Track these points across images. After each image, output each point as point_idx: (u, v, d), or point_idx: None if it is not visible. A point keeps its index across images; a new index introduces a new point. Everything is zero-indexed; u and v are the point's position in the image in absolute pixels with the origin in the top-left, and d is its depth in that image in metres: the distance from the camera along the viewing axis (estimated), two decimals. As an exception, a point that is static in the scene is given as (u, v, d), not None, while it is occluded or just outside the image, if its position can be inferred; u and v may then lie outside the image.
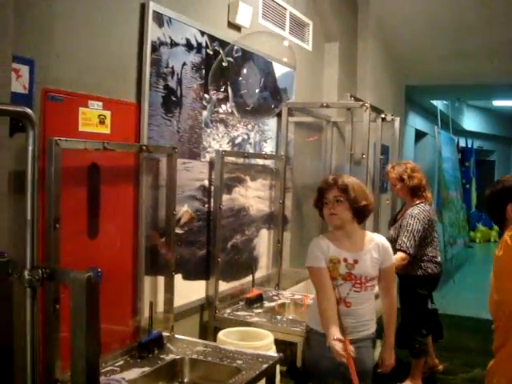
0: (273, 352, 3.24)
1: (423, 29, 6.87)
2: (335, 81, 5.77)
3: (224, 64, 3.85)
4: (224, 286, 3.97)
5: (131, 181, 3.06)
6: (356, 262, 3.02)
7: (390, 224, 4.97)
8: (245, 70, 4.11)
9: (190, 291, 3.62)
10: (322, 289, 3.03)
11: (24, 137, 1.84)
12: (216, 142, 3.82)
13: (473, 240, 14.28)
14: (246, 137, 4.21)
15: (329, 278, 3.01)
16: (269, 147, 4.57)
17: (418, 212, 4.51)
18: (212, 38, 3.71)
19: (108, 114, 2.86)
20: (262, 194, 4.47)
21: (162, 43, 3.23)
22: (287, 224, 4.93)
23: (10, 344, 1.78)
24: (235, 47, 3.96)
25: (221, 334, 3.42)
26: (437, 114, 11.70)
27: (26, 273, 1.77)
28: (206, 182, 3.73)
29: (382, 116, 5.33)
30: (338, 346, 2.83)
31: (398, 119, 5.55)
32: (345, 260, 3.01)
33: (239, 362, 2.92)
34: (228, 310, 3.89)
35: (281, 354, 3.08)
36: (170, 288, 3.28)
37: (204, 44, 3.63)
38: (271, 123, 4.59)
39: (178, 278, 3.41)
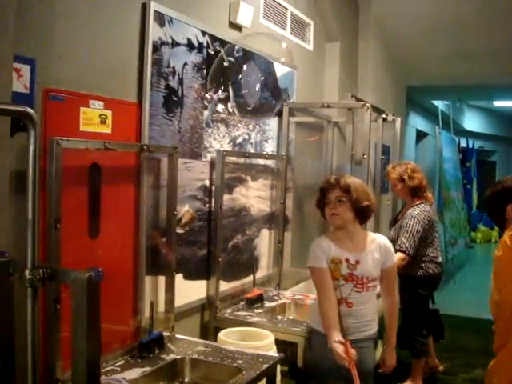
0: (273, 352, 3.24)
1: (424, 29, 6.87)
2: (336, 81, 5.77)
3: (225, 64, 3.85)
4: (225, 286, 3.97)
5: (132, 181, 3.06)
6: (358, 262, 3.02)
7: (390, 224, 4.97)
8: (246, 70, 4.12)
9: (190, 291, 3.62)
10: (322, 289, 3.03)
11: (25, 136, 1.84)
12: (217, 141, 3.82)
13: (474, 240, 14.28)
14: (247, 137, 4.21)
15: (330, 279, 3.01)
16: (270, 147, 4.57)
17: (418, 213, 4.51)
18: (213, 38, 3.71)
19: (109, 113, 2.86)
20: (263, 194, 4.47)
21: (163, 43, 3.23)
22: (288, 224, 4.93)
23: (11, 344, 1.78)
24: (236, 47, 3.97)
25: (221, 334, 3.42)
26: (438, 114, 11.69)
27: (27, 272, 1.77)
28: (207, 182, 3.73)
29: (383, 116, 5.33)
30: (340, 349, 2.84)
31: (399, 119, 5.55)
32: (346, 260, 3.02)
33: (240, 361, 2.92)
34: (229, 310, 3.89)
35: (281, 354, 3.08)
36: (170, 288, 3.28)
37: (205, 44, 3.63)
38: (272, 123, 4.59)
39: (178, 277, 3.41)
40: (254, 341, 3.34)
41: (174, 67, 3.34)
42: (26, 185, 1.82)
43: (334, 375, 2.92)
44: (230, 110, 3.97)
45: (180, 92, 3.42)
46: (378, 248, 3.10)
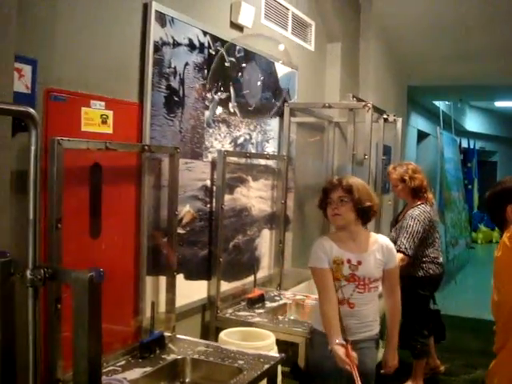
0: (274, 352, 3.24)
1: (425, 29, 6.87)
2: (337, 81, 5.76)
3: (226, 64, 3.85)
4: (226, 286, 3.97)
5: (133, 181, 3.06)
6: (360, 263, 3.02)
7: (391, 225, 4.97)
8: (247, 70, 4.12)
9: (191, 291, 3.62)
10: (323, 290, 3.03)
11: (26, 136, 1.84)
12: (218, 142, 3.82)
13: (475, 241, 14.27)
14: (248, 137, 4.21)
15: (331, 280, 3.01)
16: (271, 147, 4.57)
17: (418, 213, 4.51)
18: (214, 38, 3.71)
19: (110, 113, 2.86)
20: (264, 194, 4.47)
21: (164, 43, 3.23)
22: (289, 224, 4.93)
23: (12, 344, 1.78)
24: (237, 47, 3.97)
25: (222, 334, 3.42)
26: (439, 114, 11.68)
27: (28, 272, 1.77)
28: (208, 182, 3.73)
29: (384, 116, 5.33)
30: (341, 352, 2.84)
31: (400, 120, 5.55)
32: (348, 261, 3.02)
33: (241, 362, 2.92)
34: (230, 310, 3.89)
35: (282, 355, 3.08)
36: (171, 288, 3.28)
37: (206, 44, 3.63)
38: (273, 123, 4.59)
39: (179, 278, 3.41)
40: (255, 341, 3.34)
41: (175, 67, 3.35)
42: (27, 185, 1.82)
43: (335, 375, 2.92)
44: (232, 110, 3.97)
45: (181, 92, 3.42)
46: (380, 249, 3.10)
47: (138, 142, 3.07)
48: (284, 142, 4.70)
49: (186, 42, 3.43)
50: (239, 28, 4.05)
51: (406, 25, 6.82)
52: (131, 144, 3.01)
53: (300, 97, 5.01)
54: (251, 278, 4.21)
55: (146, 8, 3.09)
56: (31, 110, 1.84)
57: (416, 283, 4.57)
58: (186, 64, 3.45)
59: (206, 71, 3.64)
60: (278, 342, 3.45)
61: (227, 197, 3.90)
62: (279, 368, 3.22)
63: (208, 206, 3.74)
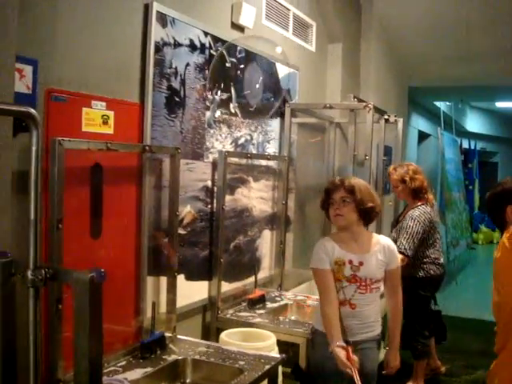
0: (275, 353, 3.24)
1: (426, 30, 6.86)
2: (338, 82, 5.76)
3: (227, 65, 3.85)
4: (226, 287, 3.97)
5: (134, 181, 3.06)
6: (361, 263, 3.02)
7: (392, 226, 4.97)
8: (248, 71, 4.12)
9: (192, 292, 3.62)
10: (324, 291, 3.03)
11: (27, 137, 1.84)
12: (219, 142, 3.82)
13: (475, 241, 14.26)
14: (249, 137, 4.21)
15: (332, 281, 3.01)
16: (272, 148, 4.57)
17: (418, 214, 4.51)
18: (215, 39, 3.71)
19: (111, 114, 2.86)
20: (265, 195, 4.47)
21: (165, 44, 3.23)
22: (290, 225, 4.93)
23: (13, 344, 1.78)
24: (238, 48, 3.97)
25: (223, 335, 3.42)
26: (440, 115, 11.69)
27: (29, 273, 1.77)
28: (209, 183, 3.73)
29: (385, 117, 5.33)
30: (342, 354, 2.84)
31: (401, 120, 5.55)
32: (350, 262, 3.01)
33: (241, 362, 2.92)
34: (230, 311, 3.89)
35: (283, 355, 3.08)
36: (172, 288, 3.28)
37: (207, 45, 3.63)
38: (274, 124, 4.59)
39: (180, 278, 3.41)
40: (255, 342, 3.34)
41: (176, 68, 3.35)
42: (28, 185, 1.83)
43: (336, 376, 2.91)
44: (232, 110, 3.96)
45: (182, 93, 3.42)
46: (381, 249, 3.10)
47: (139, 142, 3.07)
48: (285, 143, 4.70)
49: (187, 42, 3.43)
50: (240, 29, 4.05)
51: (407, 25, 6.82)
52: (132, 144, 3.01)
53: (301, 97, 5.01)
54: (252, 279, 4.21)
55: (147, 8, 3.09)
56: (32, 111, 1.84)
57: (417, 284, 4.57)
58: (187, 64, 3.45)
59: (207, 72, 3.64)
60: (279, 343, 3.45)
61: (228, 197, 3.90)
62: (280, 369, 3.22)
63: (209, 206, 3.74)
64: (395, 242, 4.38)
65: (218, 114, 3.78)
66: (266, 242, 4.53)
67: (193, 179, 3.56)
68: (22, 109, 1.86)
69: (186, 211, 3.51)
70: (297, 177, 5.02)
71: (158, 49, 3.18)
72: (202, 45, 3.58)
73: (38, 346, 1.83)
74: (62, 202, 2.48)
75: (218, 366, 2.94)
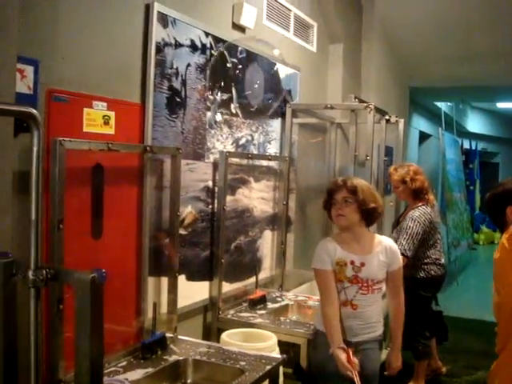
0: (276, 353, 3.23)
1: (428, 30, 6.86)
2: (339, 82, 5.76)
3: (228, 65, 3.85)
4: (227, 287, 3.97)
5: (135, 181, 3.06)
6: (363, 264, 3.02)
7: (393, 226, 4.98)
8: (249, 71, 4.12)
9: (193, 292, 3.62)
10: (325, 292, 3.04)
11: (28, 137, 1.84)
12: (220, 143, 3.82)
13: (476, 242, 14.25)
14: (250, 138, 4.21)
15: (333, 282, 3.01)
16: (273, 148, 4.57)
17: (418, 215, 4.50)
18: (216, 39, 3.71)
19: (112, 114, 2.86)
20: (266, 196, 4.47)
21: (166, 44, 3.23)
22: (291, 225, 4.93)
23: (14, 344, 1.78)
24: (239, 48, 3.97)
25: (224, 335, 3.42)
26: (441, 115, 11.68)
27: (30, 273, 1.77)
28: (210, 183, 3.73)
29: (386, 117, 5.32)
30: (343, 357, 2.84)
31: (402, 121, 5.55)
32: (352, 263, 3.01)
33: (242, 363, 2.92)
34: (231, 311, 3.89)
35: (284, 356, 3.08)
36: (173, 289, 3.28)
37: (208, 45, 3.63)
38: (275, 124, 4.59)
39: (181, 278, 3.41)
40: (256, 342, 3.34)
41: (177, 68, 3.35)
42: (29, 185, 1.82)
43: (338, 376, 2.91)
44: (234, 111, 3.96)
45: (183, 93, 3.42)
46: (383, 250, 3.10)
47: (140, 142, 3.07)
48: (286, 143, 4.70)
49: (188, 42, 3.43)
50: (241, 29, 4.05)
51: (408, 26, 6.82)
52: (133, 145, 3.01)
53: (302, 98, 5.01)
54: (253, 279, 4.21)
55: (148, 9, 3.09)
56: (33, 111, 1.84)
57: (418, 284, 4.57)
58: (188, 65, 3.45)
59: (208, 72, 3.64)
60: (280, 343, 3.45)
61: (229, 198, 3.90)
62: (281, 369, 3.22)
63: (210, 206, 3.74)
64: (395, 242, 4.38)
65: (219, 117, 3.78)
66: (266, 242, 4.53)
67: (194, 179, 3.56)
68: (23, 109, 1.86)
69: (187, 211, 3.51)
70: (298, 177, 5.02)
71: (159, 49, 3.18)
72: (203, 45, 3.58)
73: (38, 346, 1.83)
74: (63, 202, 2.48)
75: (219, 367, 2.94)
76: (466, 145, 14.78)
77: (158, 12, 3.13)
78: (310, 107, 5.09)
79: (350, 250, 3.04)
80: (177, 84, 3.35)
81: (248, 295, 4.11)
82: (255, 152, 4.30)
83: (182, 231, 3.43)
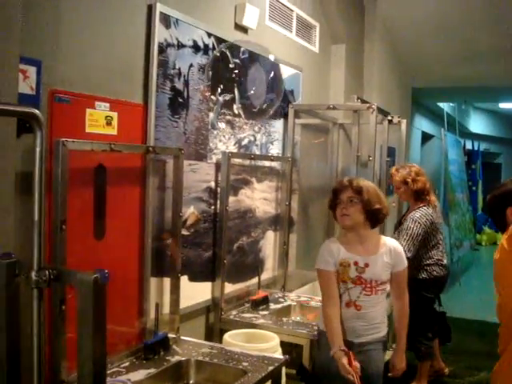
0: (279, 354, 3.23)
1: (430, 31, 6.86)
2: (342, 83, 5.76)
3: (231, 66, 3.85)
4: (230, 288, 3.97)
5: (138, 182, 3.06)
6: (367, 265, 3.01)
7: (395, 227, 4.96)
8: (251, 72, 4.12)
9: (195, 293, 3.62)
10: (327, 292, 3.04)
11: (31, 138, 1.84)
12: (222, 143, 3.82)
13: (479, 242, 14.23)
14: (252, 138, 4.20)
15: (335, 283, 3.01)
16: (275, 149, 4.57)
17: (419, 216, 4.50)
18: (219, 40, 3.71)
19: (115, 115, 2.86)
20: (268, 196, 4.47)
21: (168, 44, 3.23)
22: (293, 226, 4.92)
23: (17, 345, 1.78)
24: (242, 49, 3.97)
25: (226, 336, 3.42)
26: (443, 116, 11.68)
27: (33, 274, 1.77)
28: (213, 184, 3.73)
29: (389, 118, 5.32)
30: (344, 360, 2.84)
31: (404, 121, 5.54)
32: (355, 263, 3.01)
33: (245, 363, 2.92)
34: (234, 312, 3.89)
35: (287, 356, 3.08)
36: (175, 289, 3.28)
37: (211, 45, 3.63)
38: (278, 125, 4.59)
39: (183, 279, 3.41)
40: (259, 343, 3.34)
41: (179, 69, 3.35)
42: (32, 186, 1.82)
43: (342, 377, 2.91)
44: (236, 111, 3.96)
45: (185, 94, 3.42)
46: (388, 251, 3.10)
47: (143, 143, 3.07)
48: (288, 144, 4.70)
49: (191, 43, 3.43)
50: (243, 29, 4.05)
51: (411, 26, 6.81)
52: (136, 145, 3.01)
53: (304, 98, 5.01)
54: (255, 280, 4.20)
55: (150, 9, 3.10)
56: (36, 111, 1.84)
57: (420, 285, 4.56)
58: (191, 65, 3.45)
59: (210, 73, 3.64)
60: (283, 344, 3.45)
61: (231, 198, 3.90)
62: (283, 370, 3.21)
63: (212, 207, 3.74)
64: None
65: (220, 124, 3.78)
66: (269, 243, 4.53)
67: (196, 180, 3.56)
68: (26, 109, 1.86)
69: (190, 212, 3.51)
70: (300, 178, 5.01)
71: (162, 50, 3.18)
72: (206, 46, 3.58)
73: (41, 346, 1.83)
74: (66, 202, 2.48)
75: (222, 367, 2.93)
76: (469, 145, 14.76)
77: (161, 12, 3.14)
78: (312, 108, 5.09)
79: (354, 250, 3.04)
80: (179, 85, 3.35)
81: (250, 296, 4.11)
82: (258, 153, 4.29)
83: (184, 232, 3.42)
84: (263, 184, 4.38)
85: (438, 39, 6.99)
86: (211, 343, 3.30)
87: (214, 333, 3.76)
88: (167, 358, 3.00)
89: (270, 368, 2.88)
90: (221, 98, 3.77)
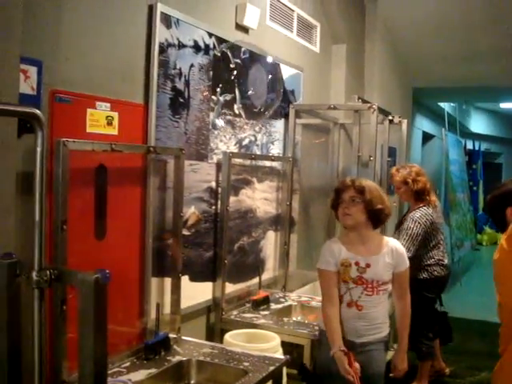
0: (279, 354, 3.23)
1: (431, 31, 6.86)
2: (342, 83, 5.76)
3: (232, 66, 3.85)
4: (231, 288, 3.97)
5: (138, 182, 3.06)
6: (368, 265, 3.02)
7: (396, 227, 4.96)
8: (252, 72, 4.12)
9: (196, 293, 3.62)
10: (327, 292, 3.05)
11: (31, 138, 1.84)
12: (223, 143, 3.82)
13: (480, 242, 14.23)
14: (253, 138, 4.20)
15: (335, 283, 3.02)
16: (276, 149, 4.56)
17: (419, 216, 4.50)
18: (220, 40, 3.71)
19: (116, 115, 2.86)
20: (269, 196, 4.47)
21: (169, 45, 3.23)
22: (294, 226, 4.92)
23: (18, 345, 1.78)
24: (242, 49, 3.97)
25: (227, 336, 3.41)
26: (444, 116, 11.67)
27: (34, 274, 1.77)
28: (213, 184, 3.73)
29: (390, 118, 5.32)
30: (344, 361, 2.85)
31: (405, 121, 5.53)
32: (356, 264, 3.01)
33: (246, 364, 2.92)
34: (235, 312, 3.89)
35: (287, 356, 3.08)
36: (176, 289, 3.28)
37: (211, 46, 3.63)
38: (278, 125, 4.59)
39: (184, 279, 3.41)
40: (260, 343, 3.34)
41: (180, 69, 3.35)
42: (33, 186, 1.82)
43: (343, 377, 2.91)
44: (237, 111, 3.96)
45: (186, 94, 3.42)
46: (389, 252, 3.10)
47: (144, 143, 3.07)
48: (289, 144, 4.70)
49: (192, 43, 3.43)
50: (244, 29, 4.05)
51: (411, 26, 6.81)
52: (136, 145, 3.01)
53: (305, 98, 5.01)
54: (256, 280, 4.20)
55: (151, 9, 3.09)
56: (37, 111, 1.84)
57: (421, 285, 4.56)
58: (192, 65, 3.45)
59: (211, 73, 3.64)
60: (283, 344, 3.45)
61: (232, 198, 3.90)
62: (284, 370, 3.21)
63: (213, 207, 3.74)
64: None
65: (221, 123, 3.77)
66: (270, 243, 4.53)
67: (197, 180, 3.56)
68: (27, 110, 1.86)
69: (191, 212, 3.51)
70: (301, 178, 5.01)
71: (163, 50, 3.18)
72: (206, 46, 3.58)
73: (42, 347, 1.83)
74: (67, 203, 2.48)
75: (223, 367, 2.93)
76: (470, 145, 14.76)
77: (162, 12, 3.14)
78: (313, 108, 5.09)
79: (356, 251, 3.04)
80: (180, 85, 3.35)
81: (251, 296, 4.11)
82: (258, 153, 4.29)
83: (185, 232, 3.42)
84: (264, 184, 4.38)
85: (438, 39, 6.99)
86: (212, 343, 3.30)
87: (214, 333, 3.76)
88: (168, 358, 3.00)
89: (271, 368, 2.88)
90: (221, 98, 3.77)
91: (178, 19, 3.28)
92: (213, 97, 3.68)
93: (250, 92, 4.10)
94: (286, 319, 3.86)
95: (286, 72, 4.64)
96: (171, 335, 3.17)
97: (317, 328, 3.33)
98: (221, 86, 3.76)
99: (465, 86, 9.43)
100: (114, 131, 2.85)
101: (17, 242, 2.22)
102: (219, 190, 3.77)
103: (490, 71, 7.93)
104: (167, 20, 3.20)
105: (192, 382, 2.98)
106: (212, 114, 3.68)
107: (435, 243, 4.62)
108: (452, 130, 11.80)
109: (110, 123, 2.83)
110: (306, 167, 5.11)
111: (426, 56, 7.61)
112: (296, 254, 5.00)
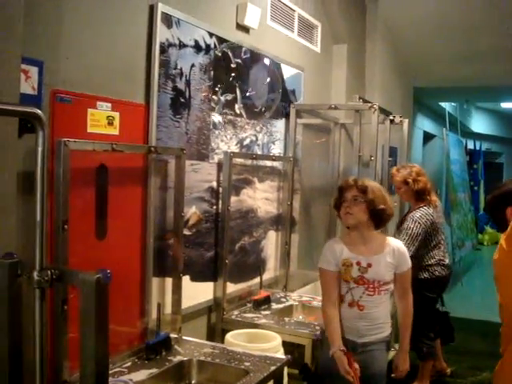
0: (281, 354, 3.23)
1: (431, 30, 6.86)
2: (343, 82, 5.75)
3: (232, 65, 3.85)
4: (232, 288, 3.97)
5: (139, 182, 3.06)
6: (370, 265, 3.01)
7: (397, 227, 4.96)
8: (253, 72, 4.12)
9: (197, 293, 3.62)
10: (327, 292, 3.05)
11: (32, 138, 1.84)
12: (224, 143, 3.82)
13: (481, 242, 14.22)
14: (254, 138, 4.20)
15: (336, 283, 3.02)
16: (277, 149, 4.56)
17: (419, 216, 4.50)
18: (220, 40, 3.70)
19: (116, 115, 2.86)
20: (270, 196, 4.47)
21: (170, 44, 3.23)
22: (295, 226, 4.92)
23: (19, 344, 1.78)
24: (243, 49, 3.97)
25: (228, 336, 3.41)
26: (445, 116, 11.66)
27: (35, 274, 1.77)
28: (214, 184, 3.73)
29: (391, 118, 5.31)
30: (344, 361, 2.85)
31: (406, 121, 5.53)
32: (358, 263, 3.01)
33: (247, 363, 2.92)
34: (236, 312, 3.88)
35: (289, 356, 3.08)
36: (177, 289, 3.28)
37: (212, 45, 3.63)
38: (279, 125, 4.59)
39: (185, 279, 3.41)
40: (261, 343, 3.34)
41: (181, 69, 3.34)
42: (34, 186, 1.83)
43: (343, 377, 2.91)
44: (238, 111, 3.96)
45: (187, 93, 3.42)
46: (391, 252, 3.09)
47: (144, 143, 3.07)
48: (290, 144, 4.69)
49: (192, 43, 3.43)
50: (245, 29, 4.05)
51: (412, 26, 6.81)
52: (137, 145, 3.01)
53: (306, 98, 5.01)
54: (257, 280, 4.20)
55: (152, 9, 3.09)
56: (38, 111, 1.84)
57: (422, 285, 4.55)
58: (192, 65, 3.45)
59: (212, 73, 3.64)
60: (285, 344, 3.45)
61: (233, 198, 3.90)
62: (285, 370, 3.21)
63: (214, 207, 3.74)
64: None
65: (222, 124, 3.77)
66: (271, 242, 4.53)
67: (198, 180, 3.56)
68: (28, 109, 1.86)
69: (192, 212, 3.51)
70: (302, 178, 5.01)
71: (163, 50, 3.18)
72: (207, 46, 3.58)
73: (43, 346, 1.83)
74: (68, 203, 2.48)
75: (224, 367, 2.93)
76: (470, 145, 14.75)
77: (162, 12, 3.13)
78: (314, 107, 5.09)
79: (357, 250, 3.04)
80: (181, 84, 3.35)
81: (252, 296, 4.11)
82: (259, 152, 4.29)
83: (186, 232, 3.42)
84: (265, 184, 4.38)
85: (439, 39, 6.99)
86: (213, 343, 3.30)
87: (215, 333, 3.76)
88: (169, 358, 3.00)
89: (272, 368, 2.88)
90: (222, 98, 3.77)
91: (178, 19, 3.28)
92: (214, 97, 3.68)
93: (250, 92, 4.10)
94: (287, 319, 3.86)
95: (287, 72, 4.64)
96: (172, 335, 3.17)
97: (318, 328, 3.33)
98: (221, 85, 3.76)
99: (465, 86, 9.45)
100: (114, 131, 2.85)
101: (18, 241, 2.22)
102: (220, 189, 3.76)
103: (491, 71, 7.93)
104: (168, 20, 3.20)
105: (193, 381, 2.99)
106: (213, 114, 3.68)
107: (436, 243, 4.62)
108: (453, 129, 11.80)
109: (110, 123, 2.83)
110: (306, 167, 5.11)
111: (427, 56, 7.61)
112: (297, 254, 5.00)
